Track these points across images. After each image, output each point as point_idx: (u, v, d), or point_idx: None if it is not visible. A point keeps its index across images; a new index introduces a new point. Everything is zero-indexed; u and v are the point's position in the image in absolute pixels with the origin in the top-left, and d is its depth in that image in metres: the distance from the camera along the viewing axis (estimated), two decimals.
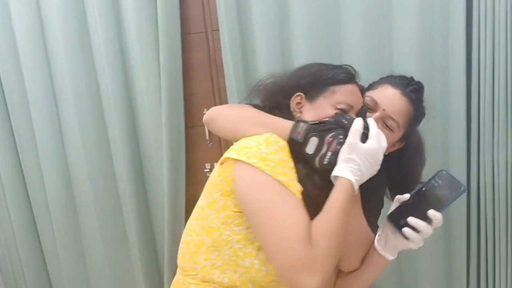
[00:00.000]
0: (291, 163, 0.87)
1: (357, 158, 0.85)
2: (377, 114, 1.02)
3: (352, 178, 0.84)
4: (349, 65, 1.02)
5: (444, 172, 0.92)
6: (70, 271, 2.05)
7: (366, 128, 0.90)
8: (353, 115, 0.94)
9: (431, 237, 1.60)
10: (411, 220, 0.88)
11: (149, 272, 2.00)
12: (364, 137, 0.89)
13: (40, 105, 1.86)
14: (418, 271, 1.70)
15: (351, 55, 1.57)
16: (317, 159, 0.88)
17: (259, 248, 0.86)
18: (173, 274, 1.92)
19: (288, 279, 0.78)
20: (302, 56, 1.60)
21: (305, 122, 0.91)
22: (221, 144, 1.87)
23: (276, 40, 1.64)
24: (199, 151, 1.90)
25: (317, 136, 0.88)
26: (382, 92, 1.05)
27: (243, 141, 0.89)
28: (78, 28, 1.78)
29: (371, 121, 0.92)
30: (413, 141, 1.11)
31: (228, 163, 0.89)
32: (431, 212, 0.87)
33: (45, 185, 1.95)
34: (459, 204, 1.59)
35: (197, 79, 1.82)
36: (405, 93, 1.04)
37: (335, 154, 0.87)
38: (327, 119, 0.92)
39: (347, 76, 0.98)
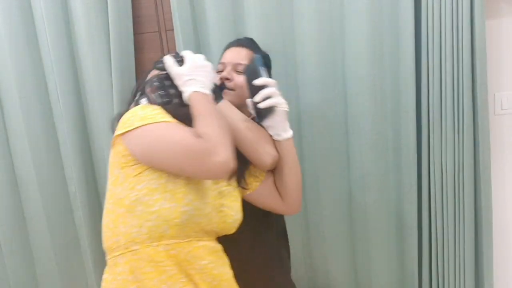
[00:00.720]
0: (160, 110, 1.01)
1: (186, 77, 1.03)
2: (227, 69, 1.25)
3: (194, 89, 1.02)
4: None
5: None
6: (18, 280, 1.96)
7: (178, 57, 1.08)
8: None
9: (384, 236, 1.67)
10: (257, 97, 1.10)
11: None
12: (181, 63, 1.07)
13: None
14: (373, 270, 1.73)
15: (305, 56, 1.59)
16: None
17: (164, 191, 0.96)
18: None
19: (203, 172, 0.94)
20: None
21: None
22: None
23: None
24: None
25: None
26: (225, 54, 1.32)
27: (122, 118, 1.01)
28: (24, 27, 1.73)
29: (183, 52, 1.10)
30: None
31: (118, 140, 1.00)
32: (256, 82, 1.10)
33: None
34: (411, 204, 1.63)
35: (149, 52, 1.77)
36: (241, 44, 1.30)
37: (156, 93, 1.04)
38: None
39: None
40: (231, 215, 1.08)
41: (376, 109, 1.57)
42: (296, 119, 1.63)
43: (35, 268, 1.97)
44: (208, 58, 1.61)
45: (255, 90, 1.11)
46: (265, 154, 1.12)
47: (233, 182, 1.15)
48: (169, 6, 1.64)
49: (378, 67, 1.55)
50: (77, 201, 1.85)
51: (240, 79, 1.21)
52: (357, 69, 1.55)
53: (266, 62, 1.24)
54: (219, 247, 1.07)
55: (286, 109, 1.14)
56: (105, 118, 1.74)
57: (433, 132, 1.54)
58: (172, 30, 1.67)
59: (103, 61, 1.69)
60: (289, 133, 1.14)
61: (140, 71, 1.74)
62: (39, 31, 1.74)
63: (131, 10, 1.69)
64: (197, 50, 1.65)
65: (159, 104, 1.03)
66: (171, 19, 1.65)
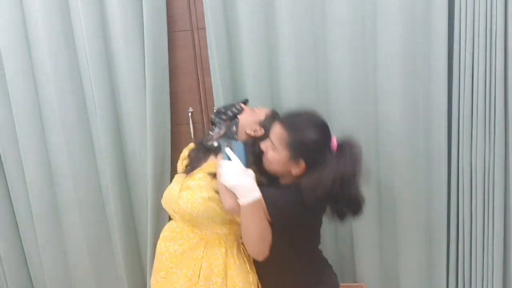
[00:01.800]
0: None
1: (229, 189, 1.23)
2: (268, 142, 1.33)
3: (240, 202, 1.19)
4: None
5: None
6: (51, 271, 2.03)
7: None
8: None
9: (413, 233, 1.68)
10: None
11: (132, 272, 1.99)
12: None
13: (22, 103, 1.83)
14: (401, 268, 1.75)
15: (337, 56, 1.60)
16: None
17: None
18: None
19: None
20: (288, 54, 1.62)
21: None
22: None
23: (263, 39, 1.65)
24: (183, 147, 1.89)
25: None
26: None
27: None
28: (62, 26, 1.76)
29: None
30: (323, 168, 1.24)
31: None
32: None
33: (26, 183, 1.93)
34: (440, 204, 1.65)
35: (182, 77, 1.82)
36: (282, 121, 1.31)
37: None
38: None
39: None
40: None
41: (407, 109, 1.58)
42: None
43: (68, 259, 2.03)
44: (239, 59, 1.69)
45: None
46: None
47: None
48: (202, 5, 1.67)
49: (411, 66, 1.56)
50: (109, 195, 1.90)
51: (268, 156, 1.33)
52: (388, 68, 1.56)
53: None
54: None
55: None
56: (138, 115, 1.79)
57: (463, 133, 1.55)
58: (204, 28, 1.69)
59: (137, 59, 1.73)
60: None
61: (171, 68, 1.78)
62: (75, 29, 1.78)
63: (165, 8, 1.72)
64: (229, 48, 1.68)
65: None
66: (203, 17, 1.68)
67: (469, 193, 1.59)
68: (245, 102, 1.51)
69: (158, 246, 1.41)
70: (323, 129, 1.31)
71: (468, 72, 1.49)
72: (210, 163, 1.40)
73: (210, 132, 1.46)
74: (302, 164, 1.28)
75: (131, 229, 1.95)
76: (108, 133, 1.82)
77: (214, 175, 1.31)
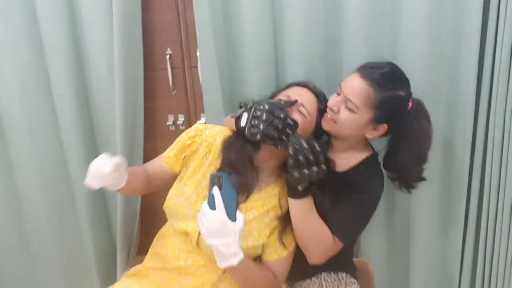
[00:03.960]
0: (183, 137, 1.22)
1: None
2: (338, 97, 1.13)
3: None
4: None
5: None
6: (4, 237, 1.76)
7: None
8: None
9: (426, 208, 1.44)
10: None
11: (99, 240, 1.73)
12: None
13: None
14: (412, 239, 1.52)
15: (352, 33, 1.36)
16: (246, 128, 1.07)
17: None
18: (127, 243, 1.71)
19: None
20: None
21: (245, 106, 1.11)
22: (187, 92, 1.58)
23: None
24: (160, 100, 1.61)
25: (246, 112, 1.08)
26: (348, 79, 1.14)
27: None
28: None
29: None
30: (409, 132, 1.13)
31: None
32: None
33: None
34: (462, 174, 1.43)
35: (159, 11, 1.51)
36: (365, 75, 1.09)
37: (257, 118, 1.05)
38: None
39: (290, 83, 1.23)
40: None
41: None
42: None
43: (24, 226, 1.76)
44: (237, 28, 1.39)
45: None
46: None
47: None
48: None
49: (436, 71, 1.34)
50: (72, 152, 1.62)
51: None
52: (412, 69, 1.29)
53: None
54: None
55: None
56: (104, 53, 1.51)
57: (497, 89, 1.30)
58: None
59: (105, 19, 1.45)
60: (220, 264, 0.98)
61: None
62: None
63: None
64: (222, 9, 1.40)
65: (249, 129, 1.09)
66: None
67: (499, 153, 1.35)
68: (293, 103, 1.12)
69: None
70: (409, 84, 1.14)
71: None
72: (276, 186, 1.16)
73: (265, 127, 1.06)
74: (384, 128, 1.12)
75: (98, 192, 1.67)
76: (69, 76, 1.53)
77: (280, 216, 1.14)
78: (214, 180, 1.01)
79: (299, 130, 1.07)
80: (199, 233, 1.09)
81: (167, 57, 1.54)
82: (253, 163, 1.11)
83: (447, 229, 1.51)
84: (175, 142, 1.22)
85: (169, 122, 1.61)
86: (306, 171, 0.99)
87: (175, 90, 1.59)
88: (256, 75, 1.42)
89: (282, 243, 1.12)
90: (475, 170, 1.40)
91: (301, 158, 0.98)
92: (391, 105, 1.09)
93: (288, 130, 1.04)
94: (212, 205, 0.97)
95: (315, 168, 0.99)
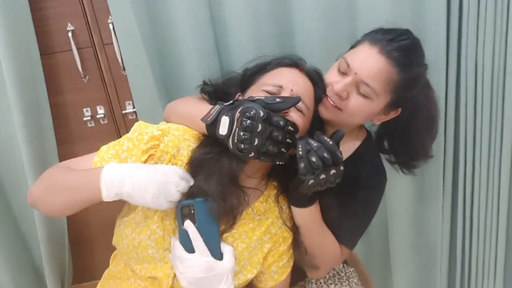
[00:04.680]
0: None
1: None
2: (348, 79, 0.86)
3: None
4: (294, 55, 0.96)
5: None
6: None
7: None
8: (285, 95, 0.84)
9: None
10: None
11: (20, 277, 1.37)
12: None
13: None
14: None
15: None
16: (230, 140, 0.77)
17: None
18: (58, 274, 1.37)
19: None
20: None
21: (221, 104, 0.82)
22: (104, 77, 1.24)
23: None
24: (70, 91, 1.25)
25: (227, 115, 0.77)
26: (357, 52, 0.89)
27: None
28: None
29: None
30: (419, 108, 0.94)
31: None
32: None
33: None
34: None
35: None
36: (384, 51, 0.85)
37: (248, 130, 0.74)
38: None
39: (277, 62, 0.92)
40: None
41: None
42: None
43: None
44: None
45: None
46: None
47: None
48: None
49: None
50: None
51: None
52: None
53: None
54: None
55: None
56: None
57: None
58: None
59: None
60: None
61: None
62: None
63: None
64: None
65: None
66: None
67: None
68: (297, 101, 0.82)
69: None
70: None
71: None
72: (268, 196, 0.91)
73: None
74: (396, 113, 0.93)
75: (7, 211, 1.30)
76: None
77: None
78: (184, 212, 0.77)
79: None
80: (174, 276, 0.82)
81: (69, 34, 1.18)
82: (237, 183, 0.83)
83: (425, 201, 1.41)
84: (115, 144, 0.86)
85: (86, 118, 1.28)
86: (323, 175, 0.76)
87: (87, 77, 1.24)
88: (192, 43, 1.13)
89: (280, 266, 0.89)
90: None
91: (314, 160, 0.74)
92: (412, 86, 0.89)
93: (288, 141, 0.79)
94: (187, 245, 0.75)
95: (332, 170, 0.76)
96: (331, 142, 0.76)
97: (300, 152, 0.76)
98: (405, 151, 1.00)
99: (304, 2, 1.13)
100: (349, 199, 0.91)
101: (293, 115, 0.82)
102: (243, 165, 0.82)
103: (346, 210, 0.89)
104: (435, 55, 1.15)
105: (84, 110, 1.28)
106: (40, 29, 1.16)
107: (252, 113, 0.74)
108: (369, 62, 0.85)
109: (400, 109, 0.92)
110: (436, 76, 1.14)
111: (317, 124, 0.89)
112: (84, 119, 1.28)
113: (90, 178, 0.77)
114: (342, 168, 0.78)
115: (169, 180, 0.74)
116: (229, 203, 0.80)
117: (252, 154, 0.76)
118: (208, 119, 0.80)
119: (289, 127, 0.77)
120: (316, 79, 0.90)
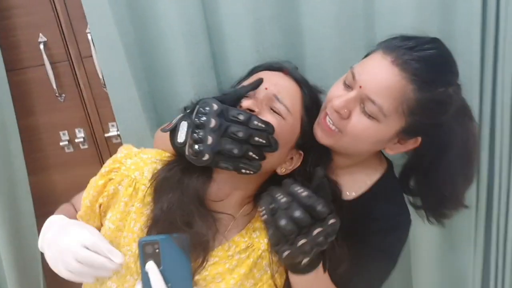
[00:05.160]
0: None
1: None
2: (351, 93, 0.70)
3: None
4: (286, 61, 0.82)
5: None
6: None
7: None
8: None
9: None
10: None
11: None
12: None
13: None
14: None
15: None
16: (186, 147, 0.66)
17: None
18: None
19: None
20: None
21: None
22: (83, 97, 1.08)
23: None
24: (43, 113, 1.09)
25: (186, 120, 0.67)
26: (367, 62, 0.72)
27: None
28: None
29: None
30: (451, 141, 0.75)
31: None
32: None
33: None
34: None
35: None
36: (400, 62, 0.67)
37: (202, 127, 0.63)
38: None
39: (258, 66, 0.80)
40: None
41: None
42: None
43: None
44: None
45: None
46: None
47: None
48: None
49: None
50: None
51: None
52: None
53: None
54: None
55: None
56: None
57: None
58: None
59: None
60: None
61: None
62: None
63: None
64: None
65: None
66: None
67: None
68: (258, 83, 0.72)
69: None
70: (458, 71, 0.73)
71: None
72: (251, 229, 0.76)
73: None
74: (416, 142, 0.74)
75: None
76: None
77: None
78: (146, 250, 0.65)
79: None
80: None
81: (41, 46, 1.02)
82: (203, 205, 0.70)
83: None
84: (88, 184, 0.76)
85: (63, 142, 1.12)
86: (302, 241, 0.59)
87: (63, 95, 1.09)
88: (184, 55, 0.97)
89: None
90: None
91: (283, 224, 0.58)
92: (436, 111, 0.70)
93: (257, 139, 0.64)
94: None
95: (316, 230, 0.59)
96: (305, 193, 0.59)
97: (264, 213, 0.60)
98: (431, 195, 0.82)
99: (314, 5, 0.97)
100: (363, 247, 0.74)
101: (268, 116, 0.68)
102: (208, 181, 0.70)
103: (358, 261, 0.71)
104: (467, 69, 0.98)
105: (61, 133, 1.13)
106: (6, 40, 1.01)
107: (206, 107, 0.64)
108: (378, 73, 0.68)
109: (420, 139, 0.74)
110: (467, 96, 0.96)
111: (313, 143, 0.73)
112: (61, 143, 1.13)
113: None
114: (333, 221, 0.60)
115: (69, 247, 0.64)
116: (194, 233, 0.66)
117: (207, 156, 0.62)
118: (167, 128, 0.70)
119: (257, 123, 0.63)
120: (304, 83, 0.76)
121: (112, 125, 1.11)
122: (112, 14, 0.91)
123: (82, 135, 1.12)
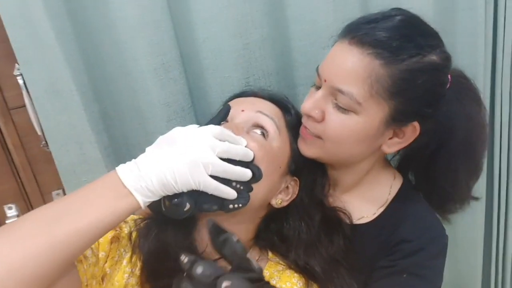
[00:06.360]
0: None
1: None
2: (319, 91, 0.63)
3: None
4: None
5: None
6: None
7: None
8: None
9: None
10: None
11: None
12: None
13: None
14: None
15: None
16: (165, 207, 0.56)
17: None
18: None
19: None
20: None
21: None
22: (13, 162, 0.82)
23: None
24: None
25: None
26: (328, 54, 0.64)
27: None
28: None
29: None
30: (451, 126, 0.66)
31: None
32: None
33: None
34: None
35: None
36: (357, 40, 0.59)
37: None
38: None
39: (231, 96, 0.72)
40: None
41: None
42: None
43: None
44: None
45: None
46: None
47: None
48: None
49: None
50: None
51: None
52: None
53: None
54: None
55: None
56: None
57: None
58: None
59: None
60: None
61: None
62: None
63: None
64: None
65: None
66: None
67: None
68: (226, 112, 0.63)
69: None
70: (441, 40, 0.62)
71: None
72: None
73: None
74: (413, 130, 0.63)
75: None
76: None
77: None
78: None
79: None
80: None
81: None
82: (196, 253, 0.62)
83: None
84: None
85: None
86: None
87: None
88: (155, 87, 0.75)
89: None
90: None
91: None
92: (414, 82, 0.59)
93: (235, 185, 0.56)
94: None
95: None
96: (208, 272, 0.45)
97: None
98: (433, 190, 0.73)
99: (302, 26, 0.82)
100: (397, 277, 0.64)
101: (248, 141, 0.59)
102: (193, 228, 0.62)
103: None
104: (472, 57, 0.90)
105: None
106: None
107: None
108: (337, 59, 0.60)
109: (416, 124, 0.63)
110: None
111: (306, 164, 0.66)
112: None
113: (90, 194, 0.50)
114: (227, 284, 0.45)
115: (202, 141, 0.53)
116: None
117: (188, 206, 0.53)
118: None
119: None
120: (284, 101, 0.69)
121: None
122: (56, 38, 0.66)
123: (14, 212, 0.84)
